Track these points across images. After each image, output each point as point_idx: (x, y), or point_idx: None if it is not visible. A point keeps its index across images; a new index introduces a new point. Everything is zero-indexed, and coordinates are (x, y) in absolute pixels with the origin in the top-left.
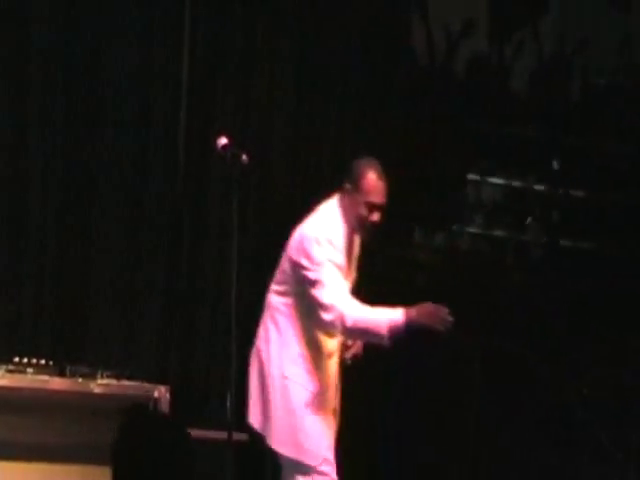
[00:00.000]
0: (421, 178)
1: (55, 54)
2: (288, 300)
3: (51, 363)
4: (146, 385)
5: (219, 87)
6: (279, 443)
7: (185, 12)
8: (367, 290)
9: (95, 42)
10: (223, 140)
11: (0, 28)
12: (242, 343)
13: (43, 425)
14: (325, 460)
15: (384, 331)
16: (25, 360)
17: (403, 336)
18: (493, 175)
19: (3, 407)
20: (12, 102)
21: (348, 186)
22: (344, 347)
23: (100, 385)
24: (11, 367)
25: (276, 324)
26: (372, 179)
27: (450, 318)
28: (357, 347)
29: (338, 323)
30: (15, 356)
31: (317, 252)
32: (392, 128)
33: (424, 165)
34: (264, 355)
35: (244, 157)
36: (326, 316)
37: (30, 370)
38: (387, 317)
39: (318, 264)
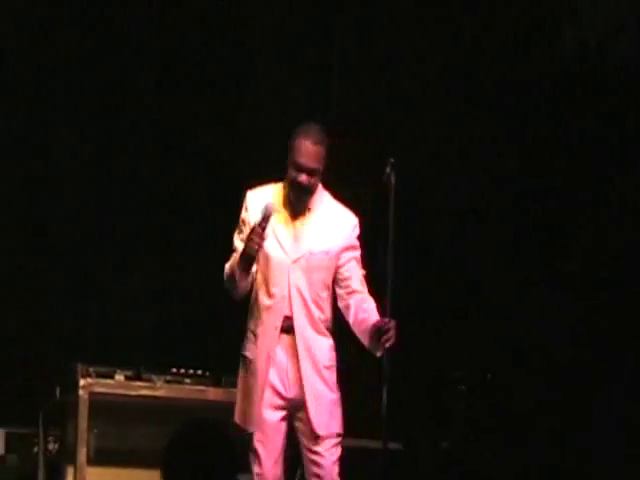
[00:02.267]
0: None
1: None
2: None
3: (208, 374)
4: None
5: None
6: None
7: None
8: None
9: None
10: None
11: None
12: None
13: None
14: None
15: (235, 262)
16: (182, 371)
17: None
18: None
19: (162, 417)
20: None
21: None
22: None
23: None
24: (169, 378)
25: None
26: (301, 141)
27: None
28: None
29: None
30: (173, 367)
31: None
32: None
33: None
34: None
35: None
36: None
37: (187, 381)
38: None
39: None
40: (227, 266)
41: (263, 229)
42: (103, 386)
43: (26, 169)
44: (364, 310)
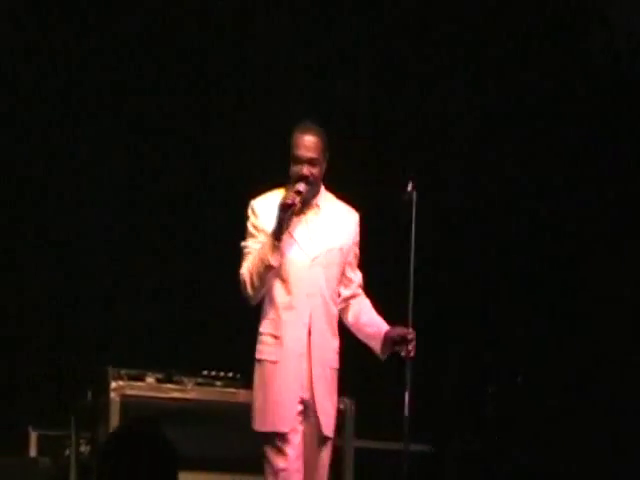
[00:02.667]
0: None
1: None
2: None
3: (238, 376)
4: None
5: None
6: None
7: None
8: None
9: None
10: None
11: None
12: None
13: (231, 437)
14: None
15: (264, 248)
16: (213, 373)
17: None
18: None
19: (192, 419)
20: None
21: None
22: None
23: None
24: (200, 380)
25: None
26: (297, 135)
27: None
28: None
29: (241, 282)
30: (204, 369)
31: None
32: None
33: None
34: None
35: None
36: None
37: (218, 383)
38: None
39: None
40: (247, 263)
41: (297, 192)
42: (134, 388)
43: (26, 169)
44: (366, 313)
